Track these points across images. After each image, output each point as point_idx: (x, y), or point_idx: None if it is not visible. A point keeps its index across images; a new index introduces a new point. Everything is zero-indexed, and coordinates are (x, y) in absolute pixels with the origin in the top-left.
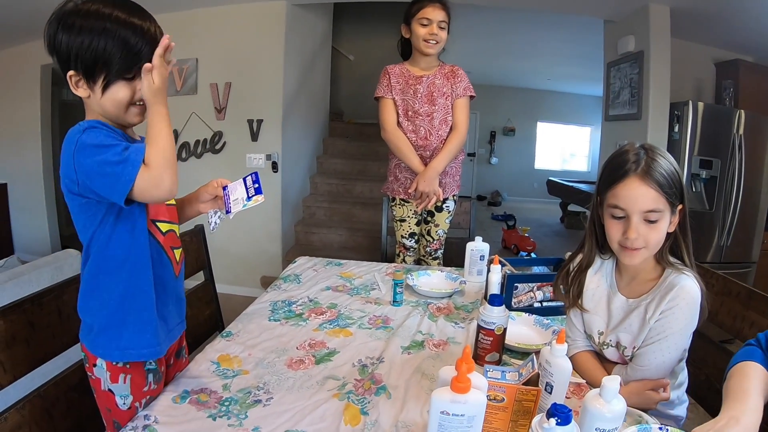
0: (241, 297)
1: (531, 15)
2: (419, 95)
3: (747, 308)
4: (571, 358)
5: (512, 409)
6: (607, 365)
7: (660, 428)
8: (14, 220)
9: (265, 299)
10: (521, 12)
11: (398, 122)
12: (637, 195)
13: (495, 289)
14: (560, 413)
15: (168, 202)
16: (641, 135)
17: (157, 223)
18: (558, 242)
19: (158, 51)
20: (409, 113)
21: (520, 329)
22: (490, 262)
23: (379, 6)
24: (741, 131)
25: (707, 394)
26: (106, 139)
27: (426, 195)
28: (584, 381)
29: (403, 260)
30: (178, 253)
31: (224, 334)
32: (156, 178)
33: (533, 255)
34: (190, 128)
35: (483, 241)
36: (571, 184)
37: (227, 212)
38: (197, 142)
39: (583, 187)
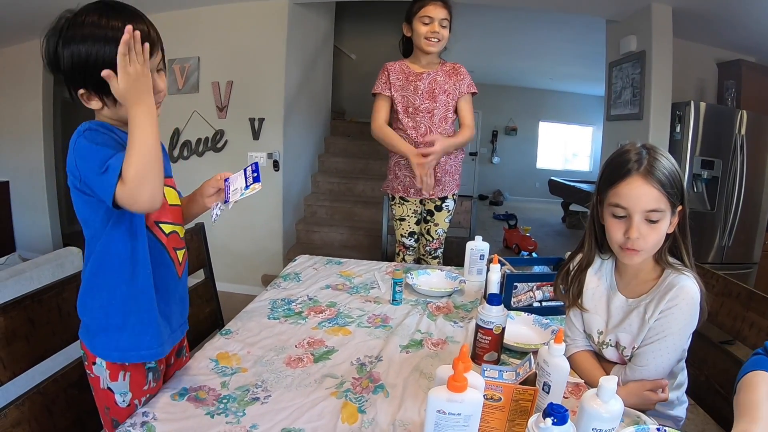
0: (242, 295)
1: (533, 14)
2: (420, 92)
3: (747, 309)
4: (569, 358)
5: (509, 409)
6: (606, 365)
7: (658, 429)
8: (16, 218)
9: (264, 297)
10: (524, 11)
11: (398, 118)
12: (640, 194)
13: (494, 288)
14: (556, 413)
15: (172, 203)
16: (643, 135)
17: (160, 225)
18: (559, 242)
19: (120, 49)
20: (409, 110)
21: (519, 329)
22: (490, 261)
23: (380, 5)
24: (743, 132)
25: (707, 395)
26: (96, 147)
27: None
28: (582, 381)
29: (403, 259)
30: (181, 254)
31: (223, 332)
32: (131, 192)
33: (534, 255)
34: (192, 127)
35: (484, 240)
36: (572, 183)
37: (225, 201)
38: (199, 140)
39: (584, 186)
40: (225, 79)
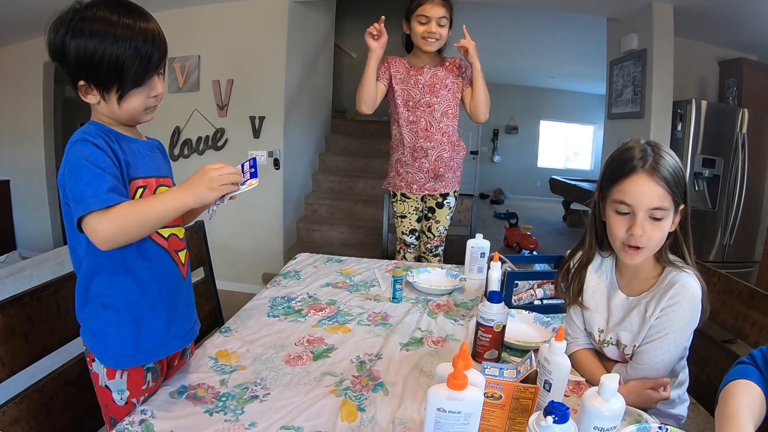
0: (242, 294)
1: (534, 13)
2: (420, 85)
3: (749, 307)
4: (570, 356)
5: (510, 407)
6: (608, 364)
7: (660, 428)
8: (16, 217)
9: (264, 295)
10: (525, 10)
11: (398, 112)
12: (645, 191)
13: (495, 286)
14: (557, 411)
15: None
16: (644, 133)
17: (158, 230)
18: (560, 241)
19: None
20: (410, 103)
21: (520, 327)
22: (490, 259)
23: (381, 3)
24: (744, 130)
25: (708, 394)
26: (86, 164)
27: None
28: (583, 379)
29: (404, 257)
30: (182, 255)
31: (223, 330)
32: (105, 229)
33: (535, 253)
34: (193, 125)
35: (485, 239)
36: (573, 182)
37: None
38: (199, 139)
39: (585, 185)
40: (225, 78)
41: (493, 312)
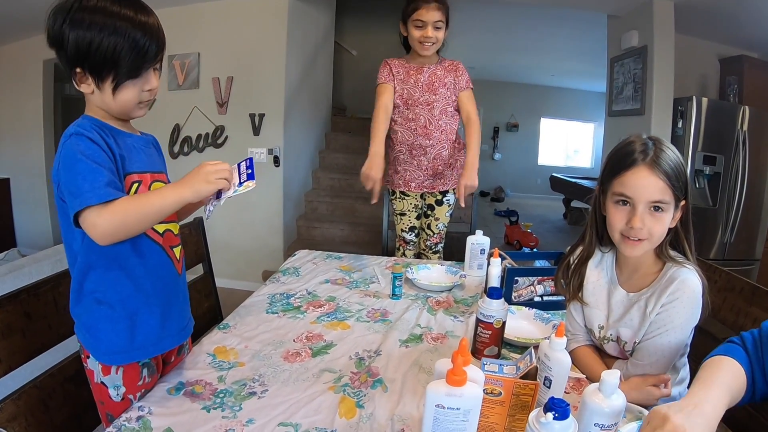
0: (242, 291)
1: (535, 10)
2: (420, 84)
3: (750, 304)
4: (571, 353)
5: (509, 404)
6: (608, 360)
7: None
8: (17, 215)
9: (263, 292)
10: (525, 7)
11: (398, 111)
12: (645, 184)
13: (495, 282)
14: (558, 407)
15: None
16: (645, 130)
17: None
18: (561, 238)
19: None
20: (409, 102)
21: (520, 323)
22: (490, 255)
23: (381, 0)
24: (745, 127)
25: None
26: (82, 158)
27: (468, 188)
28: (584, 376)
29: (403, 254)
30: (177, 251)
31: (221, 326)
32: (104, 223)
33: (535, 251)
34: (192, 122)
35: (485, 236)
36: (574, 180)
37: (218, 197)
38: (199, 136)
39: (586, 183)
40: (225, 75)
41: (493, 308)
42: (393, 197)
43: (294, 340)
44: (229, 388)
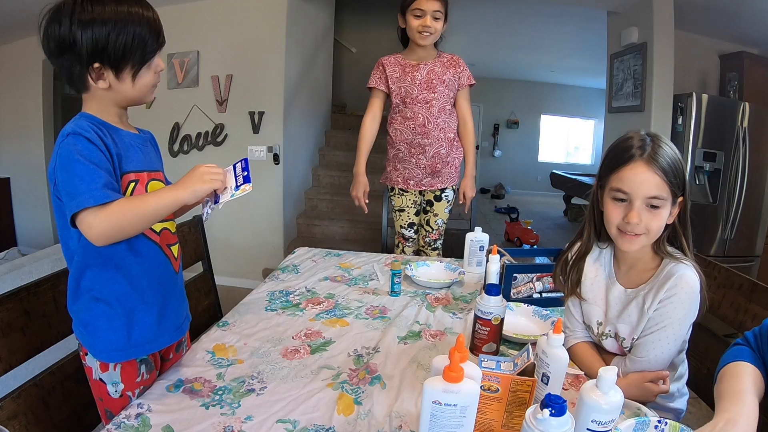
0: (242, 289)
1: (535, 7)
2: (417, 81)
3: (749, 301)
4: (569, 349)
5: (507, 400)
6: (606, 356)
7: (659, 421)
8: (17, 214)
9: (262, 289)
10: (525, 4)
11: (396, 110)
12: (643, 179)
13: (493, 279)
14: (554, 404)
15: None
16: (645, 127)
17: None
18: (561, 235)
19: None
20: (407, 100)
21: (519, 320)
22: (489, 252)
23: None
24: (745, 124)
25: (709, 388)
26: (79, 159)
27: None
28: (582, 372)
29: (402, 251)
30: (175, 249)
31: (220, 324)
32: (99, 224)
33: (535, 247)
34: (192, 121)
35: (485, 233)
36: (574, 177)
37: (216, 202)
38: (198, 134)
39: (586, 180)
40: (225, 73)
41: (491, 305)
42: (392, 194)
43: (293, 337)
44: (228, 385)
